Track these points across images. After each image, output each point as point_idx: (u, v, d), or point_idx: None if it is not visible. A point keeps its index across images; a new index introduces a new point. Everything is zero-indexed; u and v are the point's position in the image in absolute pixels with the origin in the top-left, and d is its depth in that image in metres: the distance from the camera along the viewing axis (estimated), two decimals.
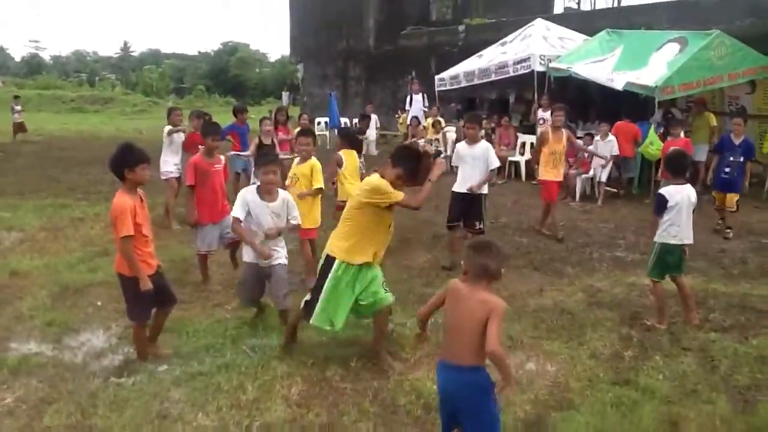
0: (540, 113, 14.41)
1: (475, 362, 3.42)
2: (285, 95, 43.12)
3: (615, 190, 12.47)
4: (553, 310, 6.27)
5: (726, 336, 5.62)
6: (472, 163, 7.67)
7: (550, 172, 9.29)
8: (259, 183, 5.54)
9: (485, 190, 7.79)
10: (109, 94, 50.34)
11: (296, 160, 7.24)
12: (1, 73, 71.68)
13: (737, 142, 9.27)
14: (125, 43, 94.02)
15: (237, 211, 5.37)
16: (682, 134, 10.88)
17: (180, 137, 9.88)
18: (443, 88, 17.39)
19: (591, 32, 15.01)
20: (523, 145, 15.05)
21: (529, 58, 14.35)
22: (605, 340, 5.54)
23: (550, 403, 4.45)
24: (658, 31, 13.93)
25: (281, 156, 9.87)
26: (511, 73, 14.92)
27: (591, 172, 12.29)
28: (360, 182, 6.65)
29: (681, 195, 5.74)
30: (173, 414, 4.26)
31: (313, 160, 7.04)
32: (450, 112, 19.31)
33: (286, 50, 37.87)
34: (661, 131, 11.78)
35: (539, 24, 16.13)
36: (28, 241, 8.74)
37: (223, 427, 4.10)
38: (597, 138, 12.25)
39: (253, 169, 9.87)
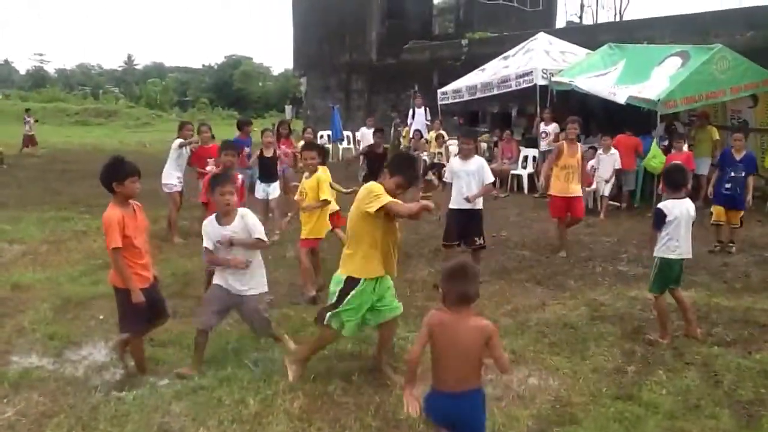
0: (542, 127, 14.47)
1: (478, 384, 3.47)
2: (288, 108, 43.28)
3: (617, 204, 12.47)
4: (555, 324, 6.25)
5: (729, 350, 5.59)
6: (467, 179, 7.61)
7: (559, 186, 8.98)
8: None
9: (481, 205, 7.74)
10: (112, 107, 50.58)
11: (304, 174, 7.24)
12: (6, 86, 72.11)
13: (738, 157, 9.16)
14: (129, 57, 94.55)
15: (206, 242, 5.09)
16: (685, 148, 10.88)
17: (188, 152, 9.90)
18: (446, 102, 17.43)
19: (593, 46, 15.08)
20: (526, 158, 15.08)
21: (531, 71, 14.41)
22: (608, 354, 5.52)
23: (552, 418, 4.42)
24: (660, 45, 13.99)
25: (283, 169, 9.93)
26: (514, 87, 14.97)
27: (593, 186, 12.30)
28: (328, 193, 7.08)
29: (680, 209, 5.74)
30: (174, 428, 4.24)
31: (319, 173, 7.05)
32: (452, 125, 19.34)
33: (289, 63, 38.02)
34: (666, 144, 11.79)
35: (541, 38, 16.20)
36: (30, 254, 8.75)
37: None
38: (600, 151, 12.27)
39: (256, 181, 9.88)
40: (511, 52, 16.57)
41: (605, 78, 13.04)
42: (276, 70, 79.90)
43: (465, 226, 7.67)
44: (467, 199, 7.54)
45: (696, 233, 5.99)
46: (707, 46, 12.10)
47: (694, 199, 6.21)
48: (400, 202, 4.74)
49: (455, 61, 21.99)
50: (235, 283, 5.00)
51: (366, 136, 18.71)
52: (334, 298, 4.83)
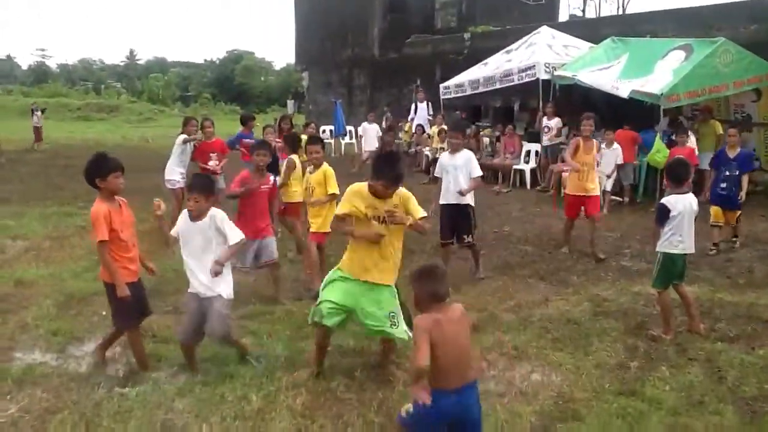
0: (545, 121, 14.43)
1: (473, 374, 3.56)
2: (290, 103, 43.33)
3: (620, 198, 12.44)
4: (558, 320, 6.24)
5: (733, 346, 5.58)
6: (454, 173, 7.47)
7: (574, 184, 8.74)
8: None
9: (471, 200, 7.58)
10: (114, 102, 50.56)
11: (308, 169, 7.24)
12: (8, 81, 72.10)
13: (732, 155, 8.97)
14: (131, 52, 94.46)
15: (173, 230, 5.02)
16: (692, 142, 10.80)
17: (191, 147, 9.90)
18: (448, 96, 17.41)
19: (596, 40, 15.01)
20: (528, 153, 15.05)
21: (534, 66, 14.37)
22: (611, 350, 5.51)
23: (555, 415, 4.42)
24: (664, 38, 13.94)
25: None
26: (516, 81, 14.93)
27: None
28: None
29: (683, 204, 5.72)
30: (177, 425, 4.25)
31: (325, 167, 7.07)
32: (455, 119, 19.31)
33: (291, 58, 38.02)
34: (673, 137, 11.70)
35: (544, 32, 16.16)
36: (33, 249, 8.75)
37: None
38: (602, 146, 12.22)
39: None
40: (513, 46, 16.53)
41: (608, 72, 12.99)
42: (278, 65, 79.91)
43: (455, 221, 7.56)
44: (461, 193, 7.39)
45: (699, 228, 5.97)
46: (710, 40, 12.05)
47: (696, 194, 6.17)
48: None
49: (458, 55, 21.95)
50: (199, 286, 4.82)
51: (368, 131, 18.72)
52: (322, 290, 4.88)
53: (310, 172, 7.14)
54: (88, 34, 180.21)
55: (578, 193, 8.71)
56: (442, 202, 7.60)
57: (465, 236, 7.55)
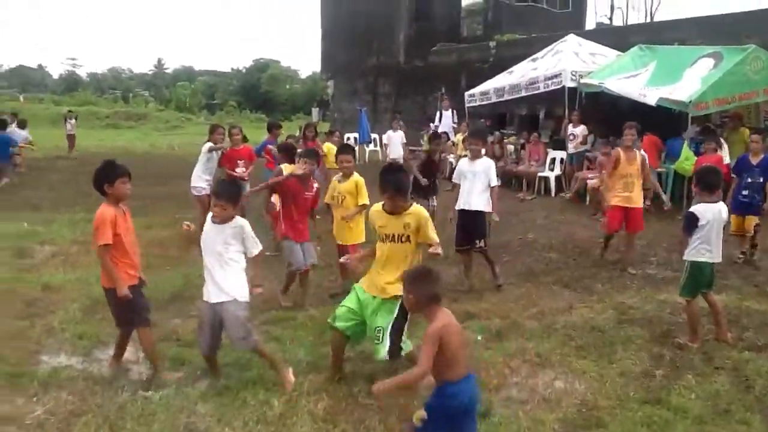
0: (570, 129, 14.35)
1: None
2: (315, 111, 43.55)
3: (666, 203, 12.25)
4: (582, 327, 6.19)
5: (760, 355, 5.48)
6: (472, 179, 7.44)
7: (617, 197, 8.33)
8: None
9: (488, 207, 7.50)
10: (142, 111, 51.28)
11: (335, 177, 7.23)
12: (39, 90, 73.43)
13: (755, 161, 8.75)
14: (159, 60, 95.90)
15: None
16: (725, 151, 10.62)
17: (217, 155, 9.98)
18: (473, 104, 17.39)
19: (623, 48, 14.91)
20: (553, 160, 14.97)
21: (560, 73, 14.30)
22: (636, 358, 5.44)
23: (578, 422, 4.38)
24: (692, 46, 13.79)
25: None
26: (542, 89, 14.86)
27: None
28: None
29: (712, 213, 5.64)
30: (200, 428, 4.28)
31: (356, 176, 7.05)
32: (475, 126, 19.26)
33: (316, 66, 38.25)
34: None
35: (571, 40, 16.08)
36: (60, 254, 8.89)
37: None
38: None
39: None
40: (539, 54, 16.47)
41: (635, 80, 12.89)
42: (303, 73, 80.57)
43: (468, 227, 7.50)
44: (493, 220, 7.58)
45: (726, 237, 5.89)
46: (741, 47, 11.90)
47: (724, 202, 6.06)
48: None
49: (483, 63, 21.91)
50: (213, 290, 4.79)
51: (393, 139, 18.72)
52: None
53: (339, 181, 7.11)
54: (118, 44, 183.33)
55: (624, 205, 8.29)
56: (458, 207, 7.60)
57: (477, 240, 7.47)
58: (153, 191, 14.57)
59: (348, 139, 21.72)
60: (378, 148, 22.44)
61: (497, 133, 17.33)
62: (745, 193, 8.65)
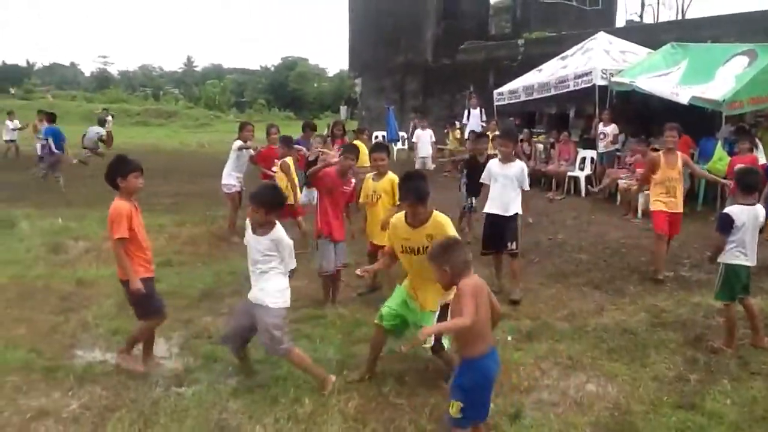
0: (601, 128, 14.20)
1: None
2: (343, 109, 43.60)
3: None
4: (614, 329, 6.12)
5: None
6: (504, 182, 7.17)
7: (659, 201, 7.92)
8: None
9: (519, 209, 7.26)
10: (172, 108, 51.85)
11: (369, 176, 7.19)
12: (72, 87, 74.51)
13: None
14: (189, 58, 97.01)
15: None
16: (759, 150, 10.39)
17: (248, 153, 10.02)
18: (502, 103, 17.26)
19: (655, 46, 14.72)
20: (583, 160, 14.82)
21: (590, 72, 14.14)
22: (669, 362, 5.37)
23: (611, 426, 4.33)
24: (726, 44, 13.55)
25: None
26: (572, 88, 14.71)
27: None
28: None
29: (747, 215, 5.53)
30: (232, 425, 4.32)
31: (391, 175, 6.95)
32: (506, 127, 19.17)
33: (344, 64, 38.35)
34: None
35: (601, 37, 15.90)
36: (94, 250, 9.00)
37: None
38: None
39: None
40: (569, 52, 16.31)
41: (667, 78, 12.72)
42: (331, 71, 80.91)
43: (499, 231, 7.24)
44: (527, 222, 7.42)
45: (761, 239, 5.78)
46: None
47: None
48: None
49: (511, 61, 21.74)
50: (253, 290, 4.78)
51: (421, 137, 18.70)
52: None
53: (373, 179, 7.06)
54: (148, 42, 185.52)
55: (669, 210, 7.87)
56: (487, 210, 7.35)
57: (509, 243, 7.20)
58: (184, 188, 14.75)
59: (376, 137, 21.76)
60: (405, 146, 22.44)
61: (526, 131, 17.22)
62: None
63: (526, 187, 7.30)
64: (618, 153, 14.18)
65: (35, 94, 57.45)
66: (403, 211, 4.94)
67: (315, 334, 5.92)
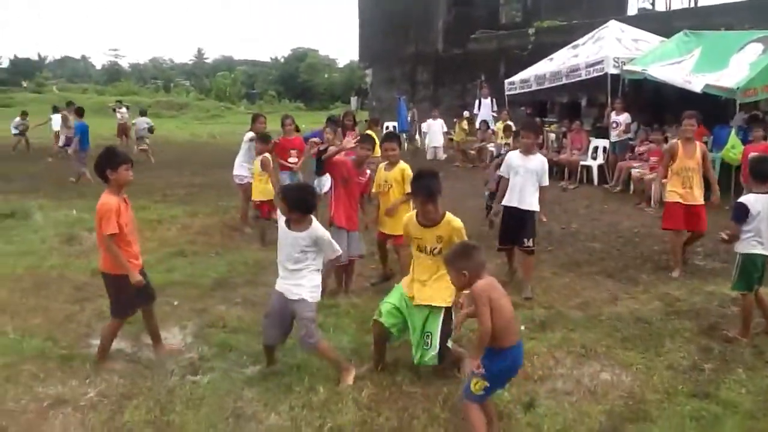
0: (613, 116, 14.11)
1: None
2: (353, 100, 43.60)
3: None
4: (628, 318, 6.10)
5: None
6: (524, 175, 6.90)
7: (674, 192, 7.68)
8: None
9: (536, 206, 7.00)
10: (183, 100, 52.03)
11: (381, 165, 7.14)
12: (83, 80, 74.85)
13: None
14: (199, 50, 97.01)
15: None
16: None
17: None
18: (513, 92, 17.20)
19: (667, 34, 14.61)
20: (596, 149, 14.76)
21: (602, 60, 14.06)
22: (683, 351, 5.35)
23: (625, 415, 4.32)
24: (740, 31, 13.44)
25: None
26: (584, 76, 14.63)
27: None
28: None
29: (762, 204, 5.48)
30: (247, 413, 4.34)
31: (403, 165, 6.95)
32: (520, 115, 19.11)
33: (354, 55, 38.27)
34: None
35: (613, 26, 15.80)
36: None
37: (295, 428, 4.14)
38: (672, 141, 11.88)
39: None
40: (581, 41, 16.22)
41: (680, 66, 12.62)
42: (341, 62, 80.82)
43: (517, 226, 7.02)
44: (543, 218, 7.20)
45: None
46: None
47: None
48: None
49: (522, 50, 21.66)
50: (286, 286, 4.74)
51: (432, 127, 18.70)
52: None
53: (385, 169, 7.03)
54: (159, 34, 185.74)
55: (683, 202, 7.62)
56: (506, 203, 7.07)
57: (526, 239, 6.97)
58: (196, 180, 14.80)
59: (387, 127, 21.73)
60: (417, 136, 22.41)
61: (537, 119, 17.14)
62: None
63: (545, 183, 7.02)
64: (631, 142, 14.10)
65: (46, 87, 57.72)
66: (415, 211, 4.93)
67: (328, 323, 5.93)
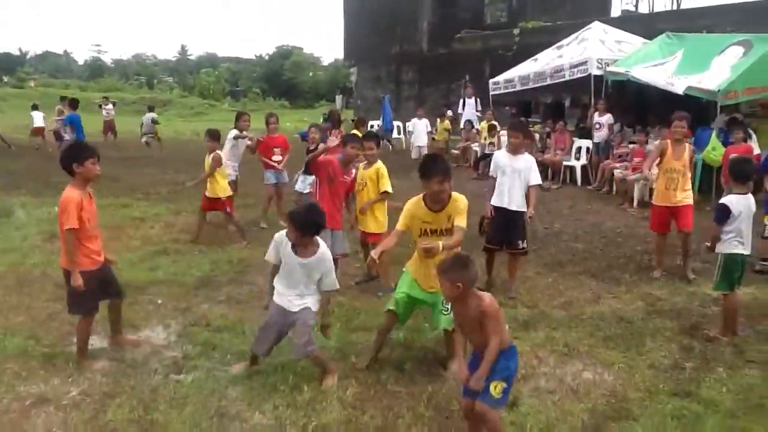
0: (596, 117, 14.22)
1: None
2: (338, 98, 43.53)
3: None
4: (610, 318, 6.16)
5: None
6: (512, 175, 6.89)
7: (662, 194, 7.68)
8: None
9: (524, 206, 6.97)
10: (167, 97, 51.66)
11: (360, 164, 7.19)
12: (65, 76, 74.04)
13: None
14: (183, 47, 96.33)
15: (270, 255, 4.83)
16: (753, 140, 10.43)
17: (244, 143, 10.02)
18: (498, 92, 17.27)
19: (650, 35, 14.75)
20: (579, 149, 14.85)
21: (586, 61, 14.16)
22: (665, 350, 5.41)
23: (607, 414, 4.37)
24: (721, 34, 13.57)
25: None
26: (567, 77, 14.74)
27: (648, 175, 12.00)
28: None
29: (743, 204, 5.57)
30: (231, 412, 4.33)
31: (379, 164, 7.05)
32: (504, 115, 19.19)
33: (339, 54, 38.22)
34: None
35: (596, 27, 15.91)
36: None
37: (280, 427, 4.15)
38: (656, 142, 11.98)
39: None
40: (565, 42, 16.32)
41: (663, 68, 12.74)
42: (326, 60, 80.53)
43: (507, 227, 6.99)
44: (530, 218, 7.02)
45: (753, 228, 5.81)
46: None
47: (753, 194, 5.91)
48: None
49: (507, 50, 21.73)
50: (291, 300, 4.73)
51: (417, 126, 18.70)
52: None
53: (364, 168, 7.11)
54: (142, 30, 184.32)
55: (666, 204, 7.63)
56: (495, 204, 7.02)
57: (519, 241, 6.96)
58: (180, 177, 14.68)
59: (371, 126, 21.72)
60: (401, 135, 22.42)
61: (522, 119, 17.20)
62: None
63: (535, 182, 6.96)
64: (613, 143, 14.20)
65: (28, 82, 57.08)
66: (420, 196, 4.93)
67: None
